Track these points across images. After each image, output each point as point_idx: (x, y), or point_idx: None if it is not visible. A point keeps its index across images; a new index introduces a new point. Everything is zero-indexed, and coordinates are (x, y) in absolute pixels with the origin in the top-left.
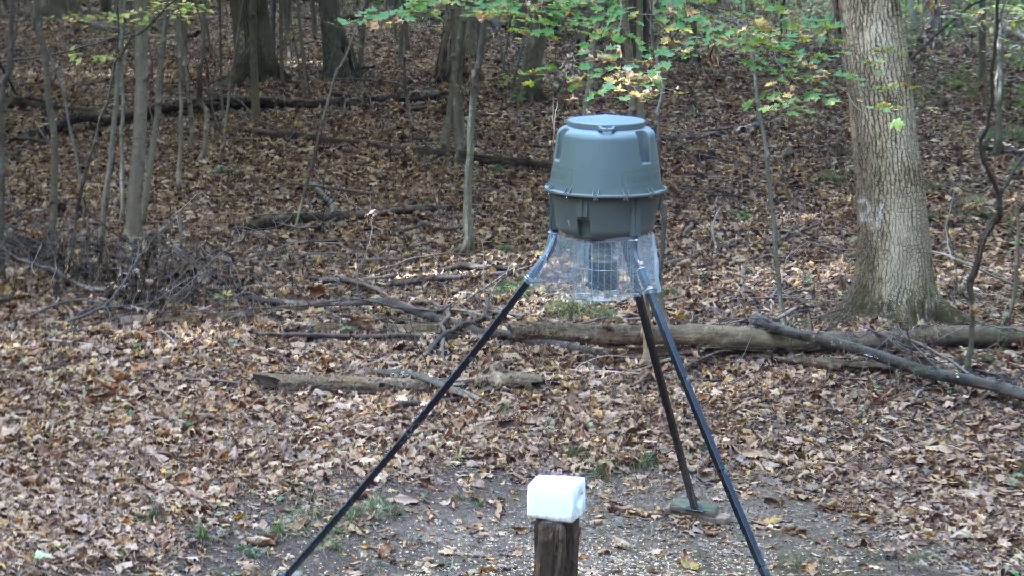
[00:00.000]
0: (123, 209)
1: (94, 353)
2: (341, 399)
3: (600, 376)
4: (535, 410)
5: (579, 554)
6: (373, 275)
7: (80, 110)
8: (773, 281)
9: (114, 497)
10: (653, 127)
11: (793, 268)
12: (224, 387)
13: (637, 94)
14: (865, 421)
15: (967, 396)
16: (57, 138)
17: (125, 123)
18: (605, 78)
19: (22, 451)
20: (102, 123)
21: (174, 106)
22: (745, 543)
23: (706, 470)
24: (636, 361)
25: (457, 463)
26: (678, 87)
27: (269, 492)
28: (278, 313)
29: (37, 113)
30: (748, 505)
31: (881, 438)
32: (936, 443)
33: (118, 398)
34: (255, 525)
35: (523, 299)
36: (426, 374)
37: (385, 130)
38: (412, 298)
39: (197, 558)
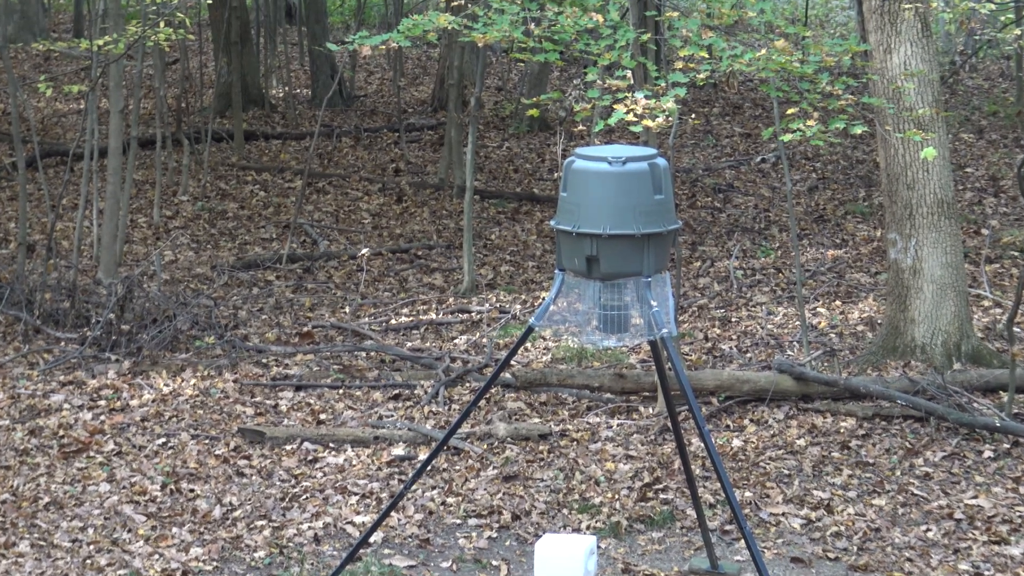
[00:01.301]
0: (97, 250)
1: (66, 405)
2: (333, 453)
3: (612, 427)
4: (542, 464)
5: None
6: (366, 319)
7: (51, 144)
8: (797, 323)
9: (88, 561)
10: (667, 158)
11: (819, 309)
12: (206, 441)
13: (649, 123)
14: (898, 473)
15: (1008, 446)
16: (26, 174)
17: (99, 158)
18: (615, 106)
19: None
20: (74, 158)
21: (151, 139)
22: None
23: (727, 527)
24: (651, 410)
25: (458, 521)
26: (693, 115)
27: (255, 554)
28: (264, 361)
29: (4, 147)
30: (773, 565)
31: (916, 491)
32: (975, 496)
33: (92, 454)
34: None
35: (528, 344)
36: (424, 426)
37: (378, 163)
38: (408, 344)
39: None
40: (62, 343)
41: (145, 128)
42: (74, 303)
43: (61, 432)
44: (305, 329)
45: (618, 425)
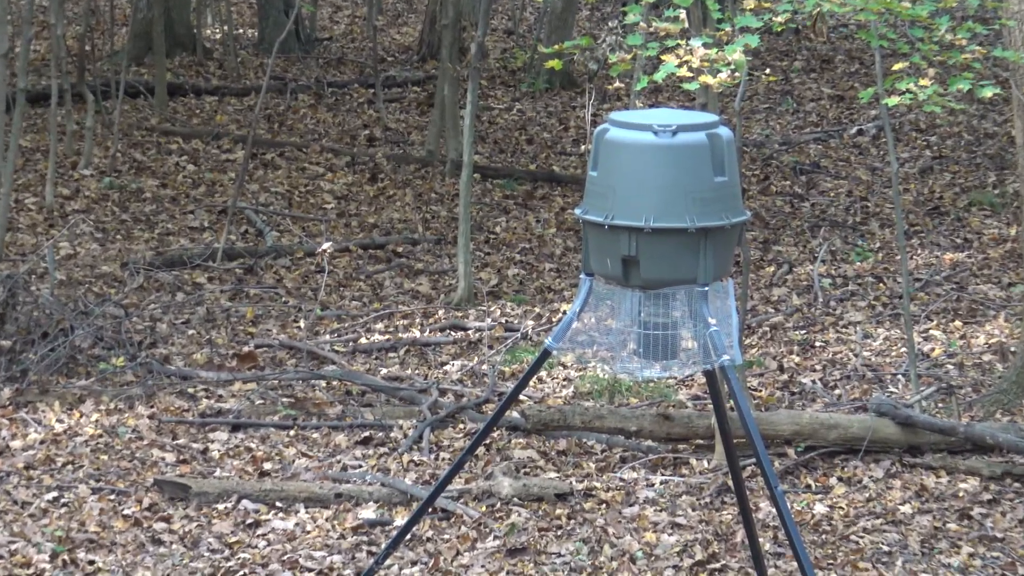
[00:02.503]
0: None
1: None
2: (280, 515)
3: (654, 485)
4: (559, 534)
5: None
6: (327, 337)
7: None
8: (903, 350)
9: None
10: (731, 128)
11: (932, 331)
12: (112, 497)
13: (709, 80)
14: None
15: None
16: None
17: None
18: (663, 57)
19: None
20: None
21: (45, 93)
22: None
23: None
24: (706, 463)
25: None
26: (768, 71)
27: None
28: (191, 391)
29: None
30: None
31: None
32: None
33: None
34: None
35: (543, 373)
36: (403, 480)
37: (347, 129)
38: (384, 370)
39: None
40: None
41: (37, 78)
42: None
43: None
44: (246, 349)
45: (662, 483)
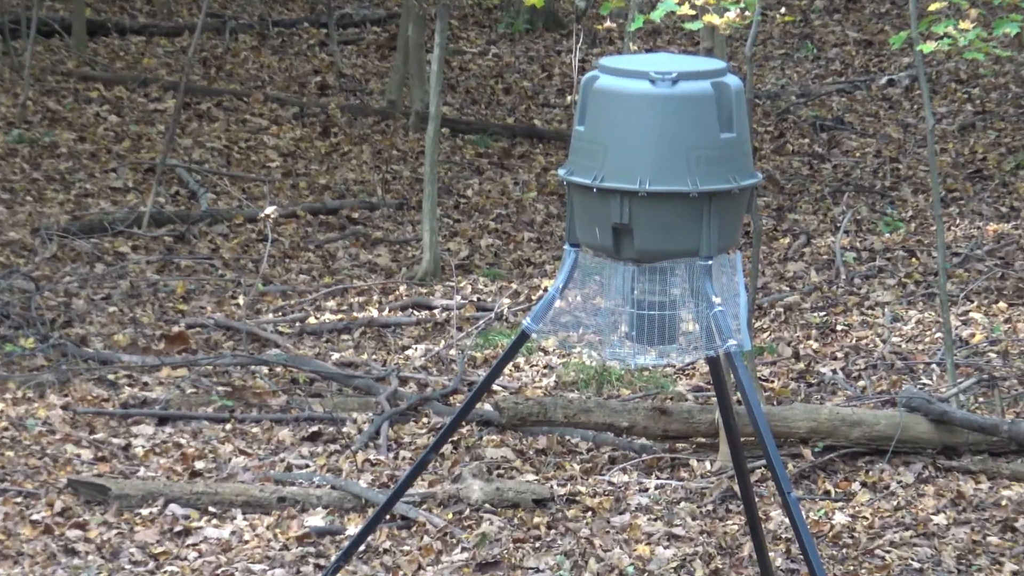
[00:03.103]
0: None
1: None
2: (214, 523)
3: (648, 489)
4: (538, 545)
5: None
6: (270, 316)
7: None
8: (938, 335)
9: None
10: (741, 76)
11: (973, 314)
12: (19, 500)
13: (715, 20)
14: None
15: None
16: None
17: None
18: None
19: None
20: None
21: None
22: None
23: None
24: (708, 465)
25: None
26: (783, 9)
27: None
28: (111, 377)
29: None
30: None
31: None
32: None
33: None
34: None
35: (520, 359)
36: (357, 482)
37: (295, 75)
38: (335, 355)
39: None
40: None
41: None
42: None
43: None
44: (176, 330)
45: (657, 488)
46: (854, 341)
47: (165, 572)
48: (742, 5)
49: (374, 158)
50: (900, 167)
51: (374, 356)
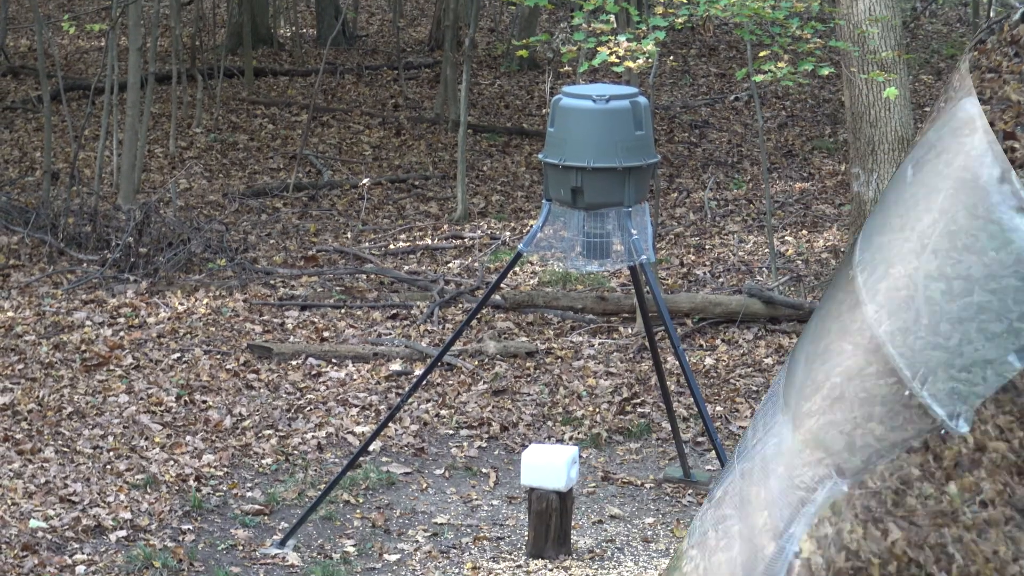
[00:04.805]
0: (117, 178)
1: (88, 322)
2: (335, 368)
3: (594, 345)
4: (529, 379)
5: (572, 523)
6: (367, 244)
7: (74, 79)
8: (767, 250)
9: (108, 466)
10: (647, 96)
11: (787, 237)
12: (218, 356)
13: (631, 64)
14: None
15: None
16: (51, 107)
17: (119, 92)
18: (599, 48)
19: (16, 420)
20: (96, 92)
21: (168, 75)
22: None
23: (699, 439)
24: (630, 330)
25: (451, 432)
26: (672, 56)
27: (263, 461)
28: (272, 282)
29: (31, 82)
30: None
31: None
32: None
33: (112, 367)
34: (249, 494)
35: (517, 268)
36: (420, 343)
37: (379, 99)
38: (406, 267)
39: (191, 527)
40: (84, 264)
41: (162, 64)
42: (95, 227)
43: (83, 347)
44: (310, 253)
45: (600, 344)
46: (716, 255)
47: (306, 399)
48: (646, 55)
49: (427, 148)
50: (742, 150)
51: (429, 268)
